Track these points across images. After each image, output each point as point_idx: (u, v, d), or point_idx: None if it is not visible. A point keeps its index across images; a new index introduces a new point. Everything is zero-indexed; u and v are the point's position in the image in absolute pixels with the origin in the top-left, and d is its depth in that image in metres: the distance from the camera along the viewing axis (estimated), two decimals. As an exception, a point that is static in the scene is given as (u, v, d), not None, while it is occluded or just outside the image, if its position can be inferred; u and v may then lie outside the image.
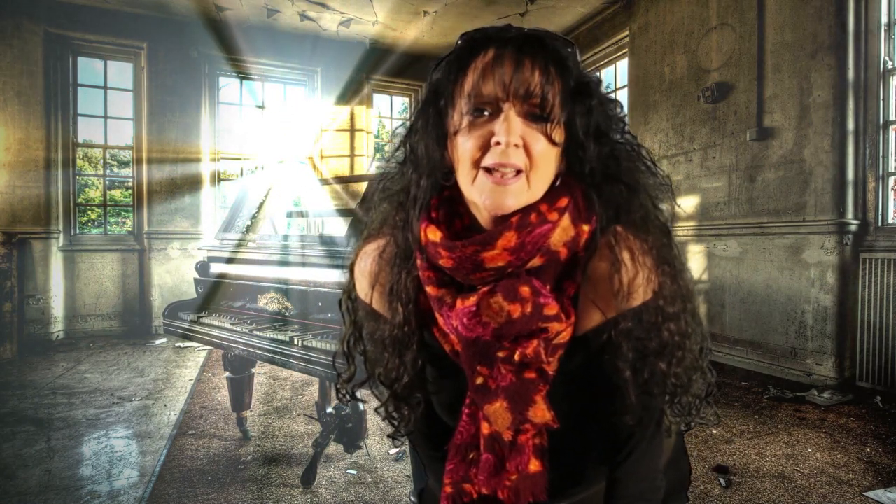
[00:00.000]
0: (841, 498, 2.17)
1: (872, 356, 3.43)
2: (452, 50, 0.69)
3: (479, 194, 0.66)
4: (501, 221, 0.68)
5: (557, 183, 0.70)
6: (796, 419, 3.09)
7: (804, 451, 2.62)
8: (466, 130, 0.66)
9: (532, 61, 0.64)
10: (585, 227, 0.69)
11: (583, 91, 0.67)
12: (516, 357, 0.67)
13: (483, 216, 0.70)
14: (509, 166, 0.63)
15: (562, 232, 0.67)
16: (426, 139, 0.71)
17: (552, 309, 0.66)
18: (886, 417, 3.07)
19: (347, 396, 0.88)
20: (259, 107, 6.53)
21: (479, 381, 0.69)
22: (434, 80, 0.71)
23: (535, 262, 0.67)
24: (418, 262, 0.73)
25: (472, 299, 0.67)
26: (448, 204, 0.72)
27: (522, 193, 0.64)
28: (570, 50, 0.68)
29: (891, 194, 3.59)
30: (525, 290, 0.66)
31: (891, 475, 2.35)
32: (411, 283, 0.74)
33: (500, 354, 0.68)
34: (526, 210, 0.66)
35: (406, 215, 0.75)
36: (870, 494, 2.18)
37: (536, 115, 0.64)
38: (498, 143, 0.63)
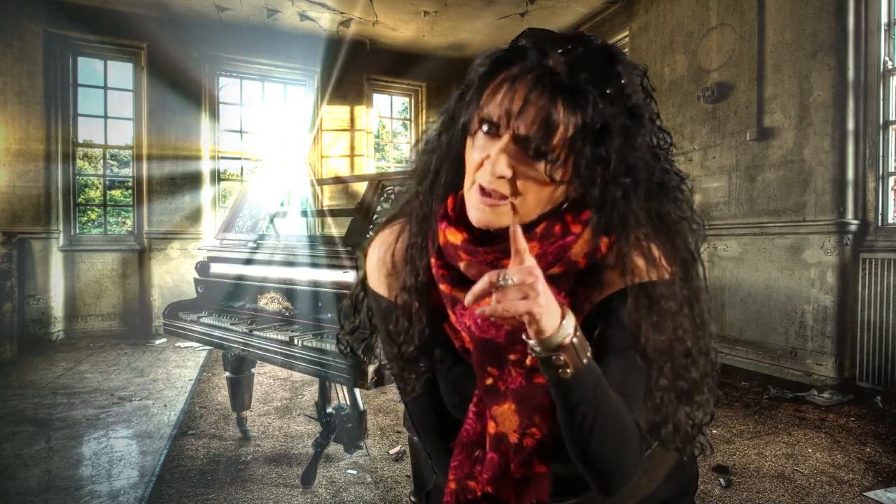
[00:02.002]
0: (841, 498, 2.17)
1: (872, 356, 3.43)
2: (501, 48, 0.68)
3: (470, 206, 0.67)
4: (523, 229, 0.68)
5: (566, 206, 0.69)
6: (796, 419, 3.09)
7: (804, 451, 2.62)
8: (474, 139, 0.67)
9: (540, 97, 0.61)
10: (606, 240, 0.69)
11: (599, 135, 0.62)
12: (528, 361, 0.67)
13: None
14: (492, 192, 0.64)
15: (583, 243, 0.68)
16: (452, 128, 0.72)
17: None
18: (886, 417, 3.07)
19: (349, 349, 0.88)
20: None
21: (489, 381, 0.70)
22: (471, 73, 0.70)
23: (554, 270, 0.68)
24: (432, 259, 0.73)
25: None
26: (464, 203, 0.72)
27: (507, 216, 0.65)
28: (607, 88, 0.62)
29: (891, 194, 3.59)
30: None
31: (891, 475, 2.35)
32: (426, 263, 0.75)
33: (512, 357, 0.68)
34: (550, 221, 0.67)
35: (427, 196, 0.76)
36: (870, 494, 2.18)
37: (535, 150, 0.63)
38: (486, 168, 0.64)
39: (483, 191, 0.64)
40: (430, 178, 0.75)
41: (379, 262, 0.82)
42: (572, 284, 0.70)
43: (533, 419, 0.68)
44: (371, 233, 0.88)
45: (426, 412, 0.83)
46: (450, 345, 0.76)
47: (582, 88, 0.62)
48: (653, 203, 0.69)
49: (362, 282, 0.86)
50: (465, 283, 0.70)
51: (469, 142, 0.68)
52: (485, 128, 0.65)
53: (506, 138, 0.63)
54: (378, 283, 0.82)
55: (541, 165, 0.63)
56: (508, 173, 0.63)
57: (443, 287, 0.72)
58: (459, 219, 0.71)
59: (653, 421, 0.71)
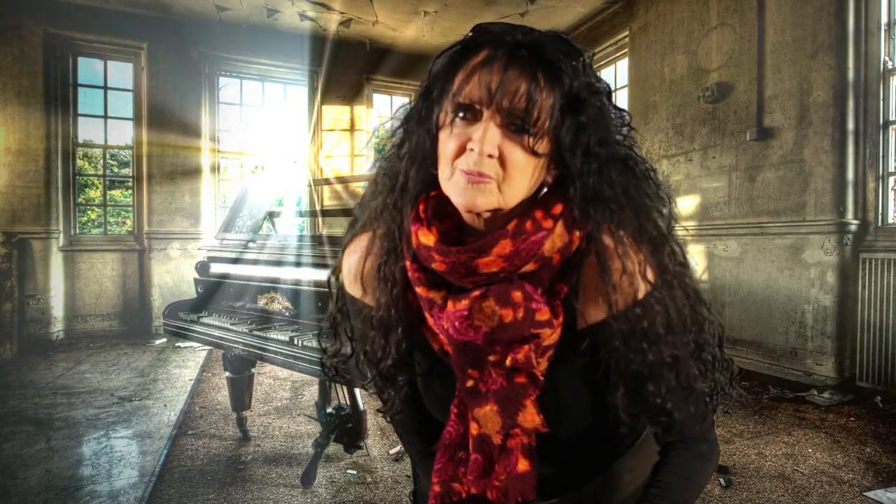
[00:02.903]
0: (841, 498, 2.17)
1: (872, 356, 3.43)
2: (458, 41, 0.69)
3: (453, 192, 0.66)
4: (492, 224, 0.68)
5: (545, 190, 0.69)
6: (796, 419, 3.09)
7: (804, 451, 2.62)
8: (449, 129, 0.66)
9: (520, 71, 0.62)
10: (578, 234, 0.68)
11: (576, 105, 0.64)
12: (508, 362, 0.67)
13: (470, 216, 0.70)
14: (480, 174, 0.63)
15: (556, 238, 0.67)
16: (419, 129, 0.71)
17: (544, 314, 0.66)
18: (886, 417, 3.07)
19: (333, 372, 0.88)
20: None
21: (470, 383, 0.69)
22: (433, 70, 0.70)
23: (529, 267, 0.67)
24: (407, 262, 0.73)
25: (464, 303, 0.67)
26: (437, 203, 0.71)
27: (493, 195, 0.64)
28: (573, 61, 0.65)
29: (891, 194, 3.58)
30: (517, 295, 0.66)
31: (891, 475, 2.35)
32: (399, 272, 0.74)
33: (492, 358, 0.68)
34: (521, 217, 0.66)
35: (397, 205, 0.75)
36: (870, 494, 2.18)
37: (518, 125, 0.63)
38: (472, 150, 0.63)
39: (467, 173, 0.63)
40: (400, 184, 0.74)
41: (351, 286, 0.81)
42: (549, 280, 0.69)
43: (515, 420, 0.68)
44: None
45: (408, 416, 0.83)
46: (428, 349, 0.75)
47: (556, 60, 0.63)
48: (620, 179, 0.68)
49: (337, 303, 0.84)
50: (441, 285, 0.70)
51: (442, 134, 0.67)
52: (461, 114, 0.65)
53: (488, 114, 0.63)
54: (352, 305, 0.81)
55: (524, 139, 0.63)
56: (496, 151, 0.62)
57: (419, 290, 0.71)
58: (432, 220, 0.70)
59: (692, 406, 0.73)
